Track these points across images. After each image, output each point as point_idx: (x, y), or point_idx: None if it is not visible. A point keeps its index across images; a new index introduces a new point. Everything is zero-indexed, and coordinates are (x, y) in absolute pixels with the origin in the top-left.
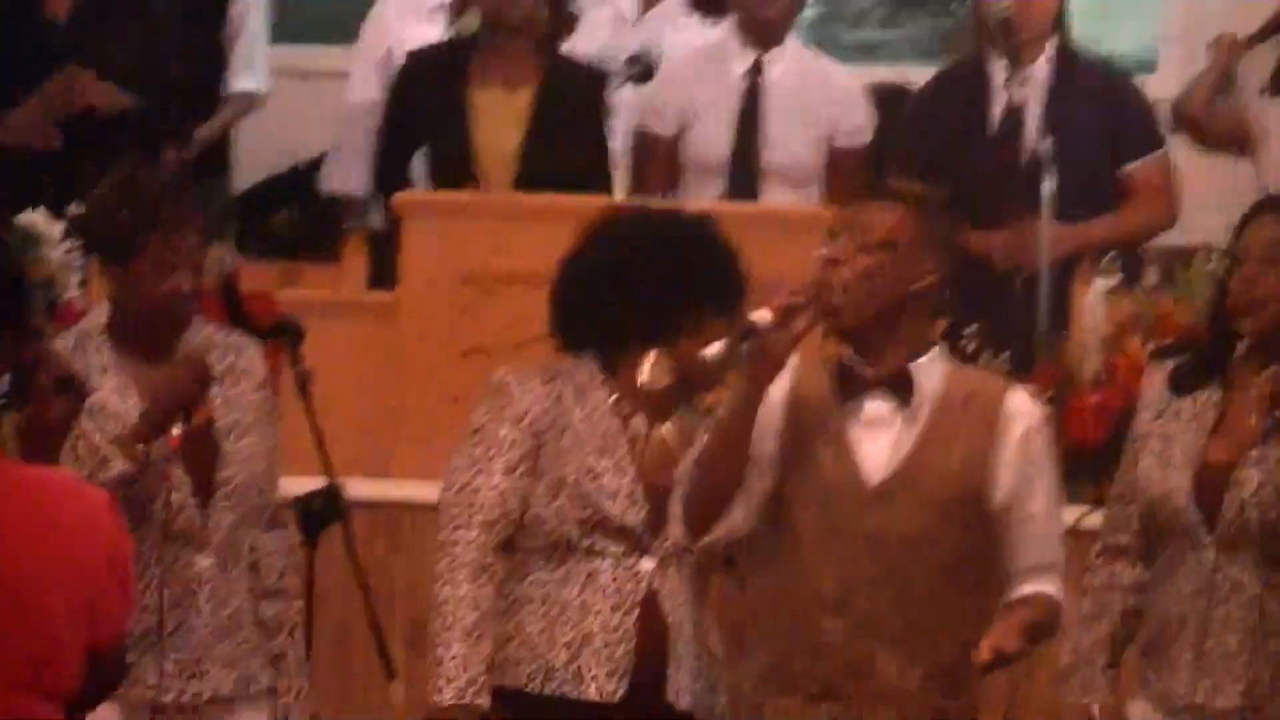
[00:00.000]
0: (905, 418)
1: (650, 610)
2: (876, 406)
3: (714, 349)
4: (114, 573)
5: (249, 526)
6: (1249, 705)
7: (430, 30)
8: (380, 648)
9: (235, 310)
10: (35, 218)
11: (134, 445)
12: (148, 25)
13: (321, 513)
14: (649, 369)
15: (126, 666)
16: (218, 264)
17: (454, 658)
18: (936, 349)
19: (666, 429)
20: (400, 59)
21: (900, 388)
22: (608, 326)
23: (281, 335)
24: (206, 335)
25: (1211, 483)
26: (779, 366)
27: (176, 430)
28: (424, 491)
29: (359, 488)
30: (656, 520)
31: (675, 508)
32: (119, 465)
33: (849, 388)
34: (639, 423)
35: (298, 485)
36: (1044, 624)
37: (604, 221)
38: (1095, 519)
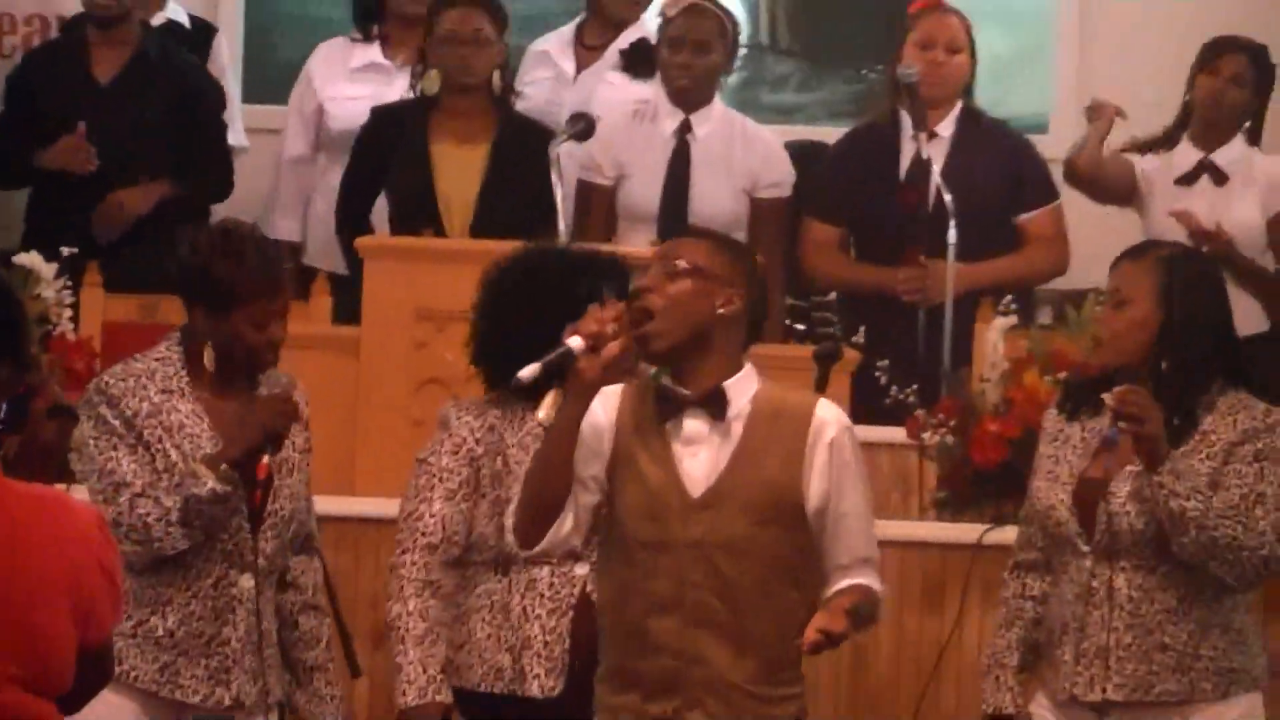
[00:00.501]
0: (721, 433)
1: (584, 612)
2: (694, 424)
3: (527, 371)
4: (103, 579)
5: (286, 553)
6: (1117, 698)
7: (355, 88)
8: (347, 649)
9: None
10: (32, 257)
11: (221, 466)
12: (176, 94)
13: None
14: (548, 406)
15: (114, 666)
16: None
17: (411, 663)
18: (749, 368)
19: None
20: (329, 116)
21: (715, 405)
22: (519, 359)
23: None
24: (286, 379)
25: (1087, 497)
26: (594, 389)
27: (265, 458)
28: (385, 507)
29: (327, 504)
30: None
31: None
32: (211, 483)
33: (668, 408)
34: None
35: None
36: (866, 609)
37: (507, 263)
38: (995, 535)
